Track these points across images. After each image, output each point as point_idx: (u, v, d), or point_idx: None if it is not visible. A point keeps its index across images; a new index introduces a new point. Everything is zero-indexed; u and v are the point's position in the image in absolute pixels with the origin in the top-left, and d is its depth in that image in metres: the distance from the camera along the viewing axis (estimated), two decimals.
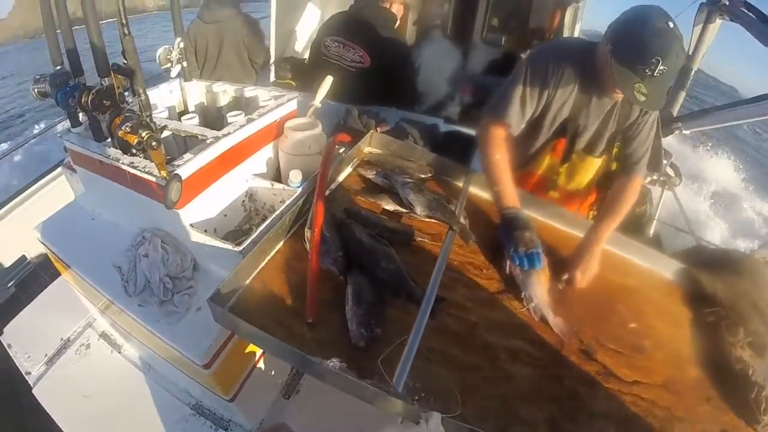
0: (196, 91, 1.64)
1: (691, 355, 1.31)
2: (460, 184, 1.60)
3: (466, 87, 3.13)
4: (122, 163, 1.15)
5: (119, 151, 1.16)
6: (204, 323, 1.13)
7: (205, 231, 1.27)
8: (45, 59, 1.24)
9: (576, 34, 2.99)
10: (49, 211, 1.47)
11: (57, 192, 2.30)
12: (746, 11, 2.19)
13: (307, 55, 3.25)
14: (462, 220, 1.38)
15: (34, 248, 2.35)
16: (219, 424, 1.37)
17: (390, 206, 1.39)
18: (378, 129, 1.81)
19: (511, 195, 1.36)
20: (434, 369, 0.99)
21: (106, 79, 1.07)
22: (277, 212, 1.21)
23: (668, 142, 2.64)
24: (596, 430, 1.01)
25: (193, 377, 1.22)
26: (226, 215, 1.37)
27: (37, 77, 1.17)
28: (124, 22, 0.96)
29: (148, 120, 1.03)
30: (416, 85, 2.47)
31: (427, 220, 1.38)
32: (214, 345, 1.10)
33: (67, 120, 1.28)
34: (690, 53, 2.50)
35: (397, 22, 2.35)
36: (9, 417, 1.73)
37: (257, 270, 1.13)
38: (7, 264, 2.35)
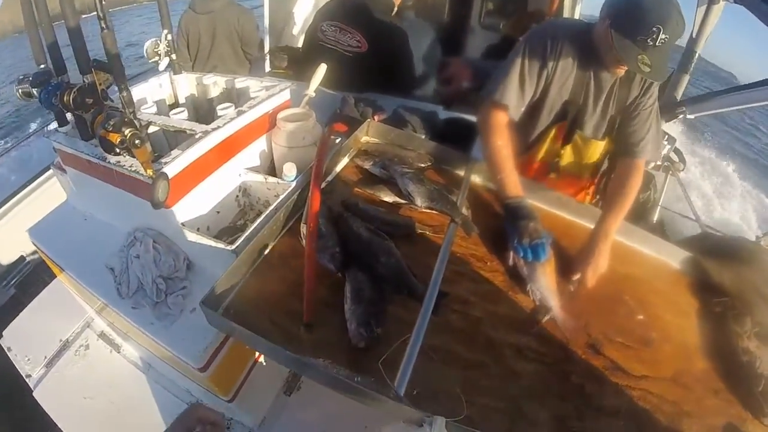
0: (187, 84, 1.56)
1: (698, 346, 1.26)
2: (461, 172, 1.53)
3: (463, 72, 3.02)
4: (109, 162, 1.09)
5: None
6: (199, 325, 1.07)
7: (198, 229, 1.21)
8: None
9: (576, 17, 2.88)
10: (47, 211, 1.42)
11: (54, 192, 2.24)
12: None
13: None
14: (464, 210, 1.32)
15: (32, 248, 2.30)
16: None
17: (389, 197, 1.33)
18: (375, 117, 1.73)
19: (515, 183, 1.30)
20: (437, 368, 0.95)
21: (87, 76, 1.01)
22: (271, 207, 1.15)
23: (673, 128, 2.56)
24: (604, 427, 0.96)
25: (191, 379, 1.18)
26: (219, 212, 1.31)
27: (21, 77, 1.12)
28: (102, 15, 0.90)
29: (131, 117, 0.97)
30: (414, 70, 2.38)
31: (428, 211, 1.31)
32: (209, 348, 1.06)
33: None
34: (693, 36, 2.40)
35: (395, 9, 2.25)
36: (10, 420, 1.71)
37: (252, 269, 1.07)
38: (6, 265, 2.31)
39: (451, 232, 1.23)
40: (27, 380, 1.44)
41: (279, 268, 1.09)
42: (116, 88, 1.01)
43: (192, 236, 1.15)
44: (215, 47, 2.81)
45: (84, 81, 1.02)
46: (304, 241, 1.09)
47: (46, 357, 1.44)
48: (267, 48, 3.08)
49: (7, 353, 1.51)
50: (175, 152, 1.11)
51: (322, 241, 1.08)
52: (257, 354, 1.30)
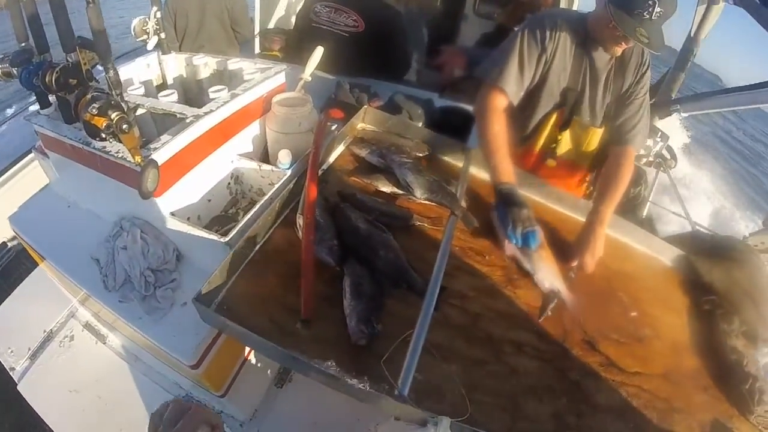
0: (175, 65, 1.46)
1: (688, 344, 1.27)
2: (458, 163, 1.49)
3: (456, 59, 2.96)
4: (94, 148, 1.01)
5: None
6: (190, 320, 1.02)
7: (188, 218, 1.14)
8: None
9: (573, 8, 2.82)
10: (28, 197, 1.33)
11: (35, 176, 2.12)
12: None
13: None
14: (462, 203, 1.28)
15: (13, 235, 2.19)
16: None
17: (386, 188, 1.27)
18: (371, 104, 1.66)
19: (508, 170, 1.29)
20: (439, 365, 0.92)
21: (71, 54, 0.92)
22: (266, 197, 1.08)
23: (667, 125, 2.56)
24: (599, 423, 0.96)
25: (182, 374, 1.12)
26: (210, 200, 1.24)
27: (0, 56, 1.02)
28: None
29: (118, 99, 0.88)
30: (410, 50, 2.31)
31: (426, 202, 1.27)
32: (202, 344, 1.00)
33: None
34: (692, 35, 2.39)
35: None
36: None
37: (246, 262, 1.01)
38: None
39: (451, 225, 1.19)
40: (11, 373, 1.36)
41: (274, 261, 1.04)
42: (101, 68, 0.92)
43: (182, 226, 1.08)
44: (204, 26, 2.68)
45: (67, 60, 0.94)
46: (300, 232, 1.04)
47: (29, 349, 1.36)
48: (257, 29, 2.95)
49: None
50: (164, 138, 1.03)
51: (320, 233, 1.03)
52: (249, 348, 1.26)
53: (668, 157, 2.31)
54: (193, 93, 1.45)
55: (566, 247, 1.29)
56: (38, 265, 1.41)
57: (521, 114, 1.47)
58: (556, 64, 1.37)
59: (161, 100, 1.22)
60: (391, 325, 0.94)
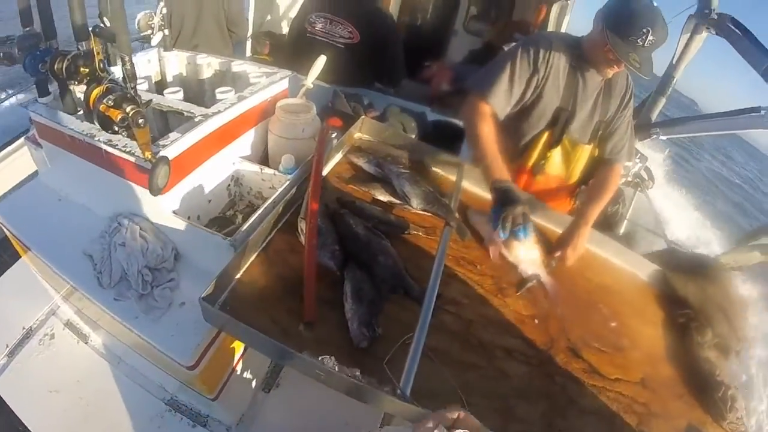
0: (177, 63, 1.48)
1: (663, 354, 1.37)
2: (450, 175, 1.57)
3: (443, 74, 3.09)
4: (98, 140, 1.02)
5: (94, 126, 1.03)
6: (189, 321, 1.04)
7: (189, 218, 1.16)
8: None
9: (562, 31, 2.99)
10: (8, 187, 1.30)
11: (18, 166, 2.05)
12: (732, 27, 2.28)
13: (285, 32, 3.09)
14: (455, 214, 1.35)
15: None
16: (197, 421, 1.28)
17: (383, 197, 1.33)
18: (367, 114, 1.73)
19: (501, 167, 1.35)
20: (437, 368, 0.97)
21: (83, 43, 0.94)
22: (269, 201, 1.12)
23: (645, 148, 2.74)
24: (585, 425, 1.04)
25: (174, 376, 1.13)
26: (210, 200, 1.26)
27: (3, 38, 1.01)
28: None
29: (133, 93, 0.91)
30: (403, 58, 2.38)
31: (421, 212, 1.33)
32: (201, 345, 1.02)
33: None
34: (673, 62, 2.58)
35: None
36: None
37: (248, 263, 1.05)
38: None
39: (446, 236, 1.26)
40: None
41: (276, 264, 1.07)
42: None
43: (184, 226, 1.10)
44: (200, 25, 2.68)
45: (79, 48, 0.95)
46: (302, 237, 1.08)
47: (7, 346, 1.33)
48: (250, 32, 2.98)
49: None
50: (173, 135, 1.05)
51: (322, 239, 1.07)
52: (240, 351, 1.28)
53: (646, 177, 2.48)
54: (194, 92, 1.47)
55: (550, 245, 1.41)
56: (20, 257, 1.39)
57: (514, 132, 1.56)
58: (549, 85, 1.47)
59: (167, 96, 1.23)
60: (390, 329, 0.98)
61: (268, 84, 1.32)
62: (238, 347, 1.22)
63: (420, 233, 1.28)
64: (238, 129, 1.27)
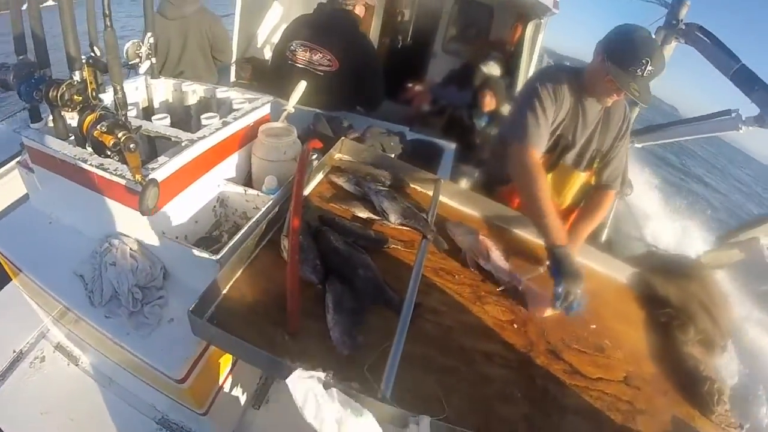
0: (164, 90, 1.58)
1: (646, 353, 1.44)
2: (428, 191, 1.67)
3: (423, 95, 3.27)
4: (90, 164, 1.10)
5: (85, 151, 1.12)
6: (177, 335, 1.10)
7: (177, 237, 1.24)
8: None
9: (537, 50, 3.14)
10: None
11: (7, 190, 2.13)
12: (701, 35, 2.43)
13: (268, 57, 3.22)
14: (432, 227, 1.44)
15: None
16: None
17: (363, 213, 1.42)
18: (347, 136, 1.84)
19: (560, 230, 1.40)
20: (417, 373, 1.03)
21: (77, 72, 1.02)
22: (253, 219, 1.20)
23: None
24: (568, 425, 1.10)
25: (164, 392, 1.18)
26: (197, 221, 1.34)
27: None
28: (108, 13, 0.93)
29: (124, 120, 1.00)
30: (383, 83, 2.50)
31: (399, 227, 1.42)
32: (190, 358, 1.08)
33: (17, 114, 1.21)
34: None
35: (361, 24, 2.38)
36: None
37: (234, 279, 1.12)
38: None
39: (424, 248, 1.35)
40: None
41: (261, 279, 1.14)
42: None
43: (173, 245, 1.17)
44: (186, 53, 2.83)
45: (73, 77, 1.03)
46: (285, 253, 1.16)
47: None
48: (234, 58, 3.11)
49: None
50: (162, 159, 1.13)
51: (304, 254, 1.15)
52: (230, 366, 1.33)
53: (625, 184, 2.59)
54: (180, 118, 1.57)
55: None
56: (10, 280, 1.45)
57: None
58: (561, 114, 1.59)
59: (155, 123, 1.33)
60: (372, 338, 1.05)
61: (250, 109, 1.42)
62: (226, 362, 1.28)
63: (399, 247, 1.36)
64: (222, 153, 1.36)
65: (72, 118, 1.08)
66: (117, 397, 1.38)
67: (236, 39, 3.14)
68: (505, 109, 2.84)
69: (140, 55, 1.36)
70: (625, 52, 1.41)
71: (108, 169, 1.09)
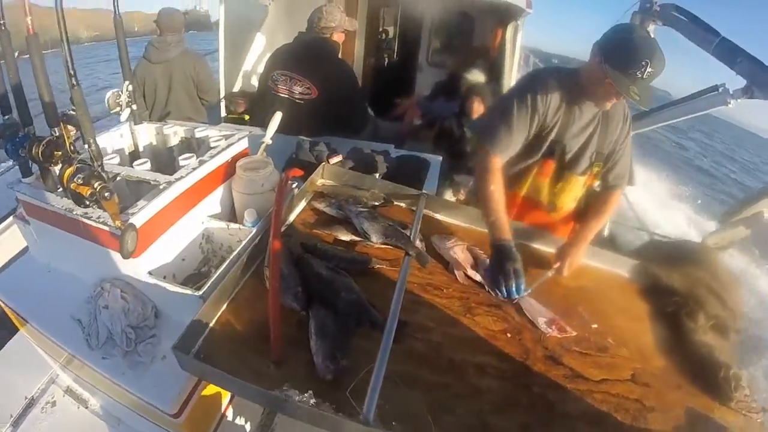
0: (147, 134, 1.67)
1: (654, 347, 1.41)
2: (412, 207, 1.69)
3: (413, 110, 3.35)
4: (76, 214, 1.18)
5: (72, 201, 1.20)
6: (170, 371, 1.14)
7: (164, 277, 1.30)
8: None
9: (517, 51, 3.19)
10: (2, 263, 1.47)
11: (10, 242, 2.28)
12: (677, 14, 2.41)
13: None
14: (418, 243, 1.46)
15: None
16: None
17: (345, 236, 1.46)
18: (329, 160, 1.89)
19: (505, 227, 1.48)
20: (404, 393, 1.04)
21: (55, 129, 1.11)
22: (234, 253, 1.26)
23: None
24: (570, 430, 1.08)
25: (164, 427, 1.24)
26: (184, 259, 1.40)
27: None
28: (72, 73, 1.00)
29: (99, 170, 1.07)
30: (365, 107, 2.60)
31: (383, 246, 1.45)
32: (182, 393, 1.13)
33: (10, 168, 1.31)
34: None
35: (339, 51, 2.48)
36: None
37: (219, 313, 1.17)
38: None
39: (406, 264, 1.36)
40: None
41: (245, 310, 1.19)
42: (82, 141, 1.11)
43: (159, 284, 1.24)
44: (172, 95, 2.99)
45: (52, 134, 1.12)
46: (267, 283, 1.20)
47: (11, 416, 1.46)
48: (222, 93, 3.25)
49: None
50: (141, 203, 1.21)
51: (285, 282, 1.19)
52: (229, 398, 1.38)
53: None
54: (164, 160, 1.65)
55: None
56: (18, 330, 1.55)
57: (509, 161, 1.66)
58: (548, 120, 1.58)
59: (136, 168, 1.41)
60: (359, 361, 1.07)
61: (226, 146, 1.49)
62: (225, 394, 1.33)
63: (384, 266, 1.38)
64: (203, 191, 1.43)
65: (56, 172, 1.16)
66: None
67: (223, 74, 3.28)
68: None
69: (120, 103, 1.45)
70: (623, 54, 1.38)
71: (92, 217, 1.17)
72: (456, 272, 1.42)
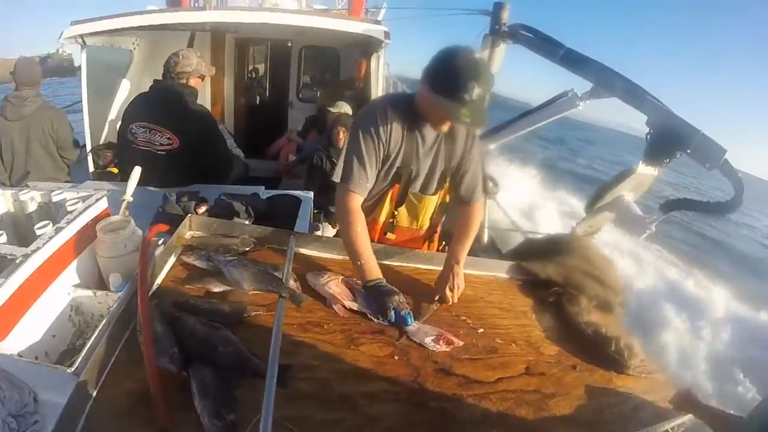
0: (3, 202, 1.57)
1: (543, 337, 1.53)
2: (284, 246, 1.71)
3: (288, 146, 3.46)
4: None
5: None
6: None
7: (36, 357, 1.25)
8: None
9: (381, 80, 3.38)
10: None
11: None
12: (524, 32, 2.63)
13: None
14: (292, 283, 1.49)
15: None
16: None
17: (218, 288, 1.44)
18: (197, 210, 1.89)
19: (375, 268, 1.54)
20: None
21: None
22: (104, 322, 1.23)
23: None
24: None
25: None
26: (54, 335, 1.34)
27: None
28: None
29: None
30: (230, 152, 2.62)
31: (258, 292, 1.45)
32: None
33: None
34: None
35: (197, 97, 2.47)
36: None
37: (97, 387, 1.13)
38: None
39: (281, 307, 1.37)
40: None
41: (125, 380, 1.16)
42: None
43: (30, 366, 1.18)
44: (30, 154, 2.86)
45: None
46: (142, 347, 1.18)
47: None
48: (89, 146, 3.15)
49: None
50: None
51: (160, 345, 1.17)
52: None
53: (491, 184, 2.78)
54: (23, 229, 1.56)
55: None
56: None
57: None
58: (392, 147, 1.63)
59: None
60: (247, 413, 1.07)
61: (84, 208, 1.44)
62: None
63: (261, 312, 1.38)
64: (64, 259, 1.37)
65: None
66: None
67: (88, 125, 3.18)
68: None
69: None
70: (449, 81, 1.41)
71: None
72: (334, 306, 1.46)
